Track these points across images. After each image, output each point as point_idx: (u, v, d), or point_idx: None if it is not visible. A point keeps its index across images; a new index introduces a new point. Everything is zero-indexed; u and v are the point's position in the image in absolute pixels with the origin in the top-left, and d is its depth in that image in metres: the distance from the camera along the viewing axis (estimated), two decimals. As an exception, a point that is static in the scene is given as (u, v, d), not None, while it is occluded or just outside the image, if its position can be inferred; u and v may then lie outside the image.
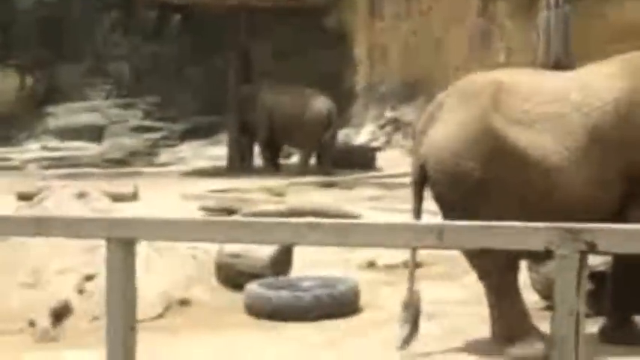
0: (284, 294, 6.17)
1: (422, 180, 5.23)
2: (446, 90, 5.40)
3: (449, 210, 5.11)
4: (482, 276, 5.15)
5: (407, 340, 5.07)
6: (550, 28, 11.91)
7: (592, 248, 2.49)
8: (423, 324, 5.19)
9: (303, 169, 16.03)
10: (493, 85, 5.16)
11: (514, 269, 5.10)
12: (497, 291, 5.07)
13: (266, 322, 6.02)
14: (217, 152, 19.08)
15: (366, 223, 2.73)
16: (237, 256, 6.87)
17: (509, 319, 5.06)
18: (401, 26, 20.44)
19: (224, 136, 18.59)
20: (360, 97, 21.37)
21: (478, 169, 4.94)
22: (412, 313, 5.13)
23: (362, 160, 16.91)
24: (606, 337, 5.38)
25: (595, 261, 5.95)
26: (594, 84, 5.10)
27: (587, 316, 5.68)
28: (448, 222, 2.65)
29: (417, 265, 7.41)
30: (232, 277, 6.89)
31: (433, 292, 6.63)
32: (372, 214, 9.78)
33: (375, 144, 19.24)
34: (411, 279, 5.23)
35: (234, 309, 6.36)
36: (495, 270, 5.00)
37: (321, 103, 16.36)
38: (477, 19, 18.37)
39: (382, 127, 20.18)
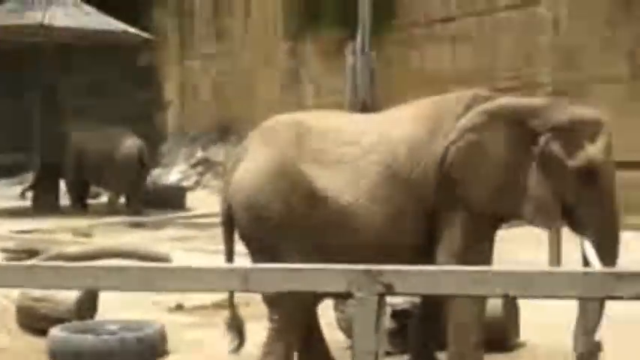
0: (89, 338, 6.02)
1: (230, 221, 5.30)
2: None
3: (254, 251, 5.22)
4: (271, 308, 5.21)
5: (235, 349, 5.40)
6: (356, 72, 12.25)
7: (389, 290, 2.57)
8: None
9: (112, 209, 15.73)
10: (294, 126, 5.30)
11: (306, 310, 5.21)
12: (279, 327, 5.15)
13: (70, 368, 5.85)
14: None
15: (170, 268, 2.71)
16: (39, 299, 6.65)
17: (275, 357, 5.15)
18: (212, 66, 20.52)
19: (30, 176, 18.03)
20: (171, 137, 21.24)
21: (278, 209, 5.06)
22: (236, 326, 5.40)
23: (172, 200, 16.76)
24: (410, 374, 5.53)
25: (398, 299, 6.13)
26: (389, 127, 5.27)
27: (391, 353, 5.85)
28: (253, 265, 2.67)
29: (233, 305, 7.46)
30: (35, 321, 6.67)
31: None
32: (181, 255, 9.70)
33: (185, 184, 19.15)
34: (231, 300, 5.43)
35: (36, 355, 6.15)
36: (285, 307, 5.09)
37: (131, 143, 16.13)
38: (287, 60, 18.67)
39: (193, 166, 20.13)
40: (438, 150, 5.07)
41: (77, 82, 19.99)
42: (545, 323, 6.48)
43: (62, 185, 16.94)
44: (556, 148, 4.97)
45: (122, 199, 16.32)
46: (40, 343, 6.28)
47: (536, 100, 5.31)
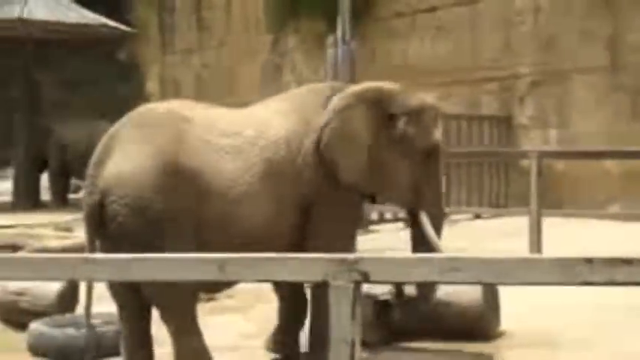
0: (70, 332, 6.00)
1: (99, 215, 4.95)
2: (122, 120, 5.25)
3: (130, 246, 4.65)
4: (163, 311, 5.06)
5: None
6: (337, 63, 12.25)
7: (366, 278, 2.58)
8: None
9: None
10: (174, 116, 5.15)
11: (193, 304, 5.12)
12: (181, 326, 5.04)
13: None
14: (3, 187, 18.40)
15: (149, 257, 2.71)
16: (20, 293, 6.64)
17: (192, 355, 5.06)
18: (193, 59, 20.48)
19: (11, 171, 17.95)
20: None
21: (164, 202, 4.86)
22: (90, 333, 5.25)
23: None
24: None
25: (379, 289, 6.15)
26: (265, 123, 5.35)
27: (371, 344, 5.83)
28: (228, 254, 2.67)
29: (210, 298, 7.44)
30: (15, 315, 6.65)
31: (222, 325, 6.66)
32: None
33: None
34: (88, 301, 5.22)
35: (17, 350, 6.13)
36: (177, 305, 5.00)
37: (112, 136, 16.09)
38: (269, 53, 18.66)
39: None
40: (311, 141, 5.33)
41: (57, 76, 19.90)
42: (524, 310, 6.53)
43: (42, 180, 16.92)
44: (410, 130, 5.49)
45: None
46: (21, 338, 6.26)
47: (392, 85, 5.68)
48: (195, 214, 4.94)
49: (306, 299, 5.62)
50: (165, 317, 5.05)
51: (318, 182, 5.31)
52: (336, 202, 5.37)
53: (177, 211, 4.88)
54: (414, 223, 5.72)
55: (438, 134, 5.64)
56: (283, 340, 5.76)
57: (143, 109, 5.35)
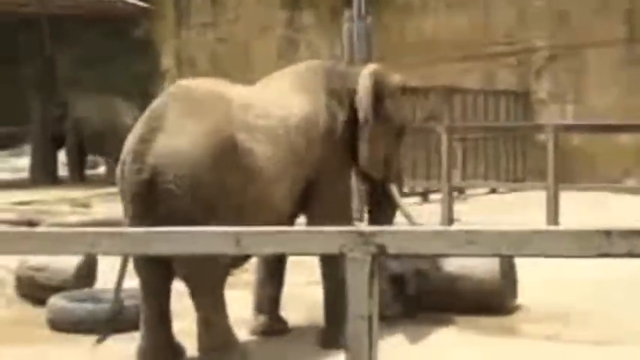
0: (88, 306, 6.04)
1: (149, 193, 4.81)
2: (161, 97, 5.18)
3: (184, 223, 4.34)
4: (194, 287, 5.02)
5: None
6: (353, 38, 12.19)
7: (382, 251, 2.57)
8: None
9: (112, 179, 15.71)
10: (218, 96, 5.15)
11: (223, 281, 5.12)
12: (210, 303, 5.03)
13: (72, 337, 5.86)
14: (20, 163, 18.47)
15: (163, 231, 2.71)
16: (38, 269, 6.68)
17: (219, 332, 5.04)
18: (208, 35, 20.44)
19: (28, 147, 18.02)
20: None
21: (221, 181, 4.85)
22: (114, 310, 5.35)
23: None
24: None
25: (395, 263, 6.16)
26: (290, 101, 5.48)
27: (389, 318, 5.86)
28: (245, 228, 2.67)
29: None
30: (34, 290, 6.69)
31: (238, 299, 6.68)
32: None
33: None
34: (121, 274, 5.24)
35: (36, 324, 6.17)
36: (208, 282, 5.00)
37: (131, 112, 16.13)
38: (284, 29, 18.61)
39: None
40: (321, 120, 5.52)
41: (72, 53, 19.91)
42: (541, 284, 6.52)
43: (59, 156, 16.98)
44: (390, 109, 5.83)
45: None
46: (39, 313, 6.31)
47: (380, 65, 6.02)
48: (241, 194, 4.98)
49: (282, 273, 5.94)
50: (196, 294, 5.02)
51: (323, 162, 5.47)
52: (337, 181, 5.61)
53: (230, 190, 4.90)
54: (374, 199, 6.08)
55: (406, 111, 6.20)
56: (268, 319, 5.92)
57: (181, 87, 5.25)
